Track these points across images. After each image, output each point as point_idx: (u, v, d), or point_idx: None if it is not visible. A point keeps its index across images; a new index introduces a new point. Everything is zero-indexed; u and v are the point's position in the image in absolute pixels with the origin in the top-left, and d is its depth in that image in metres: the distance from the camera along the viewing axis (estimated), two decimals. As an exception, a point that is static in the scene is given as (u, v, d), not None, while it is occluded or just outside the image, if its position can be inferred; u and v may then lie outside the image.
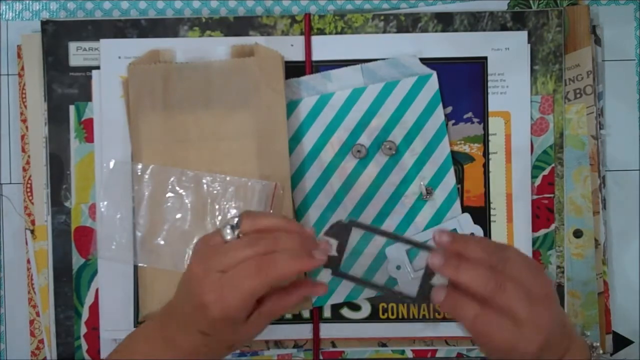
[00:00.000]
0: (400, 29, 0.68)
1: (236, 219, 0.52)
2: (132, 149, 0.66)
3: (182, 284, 0.54)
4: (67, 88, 0.68)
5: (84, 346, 0.67)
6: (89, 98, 0.68)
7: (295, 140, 0.67)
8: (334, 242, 0.55)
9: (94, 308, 0.67)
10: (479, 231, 0.67)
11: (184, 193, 0.65)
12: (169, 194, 0.65)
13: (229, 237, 0.52)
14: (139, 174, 0.65)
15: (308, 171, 0.67)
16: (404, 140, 0.67)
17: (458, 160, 0.68)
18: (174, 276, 0.64)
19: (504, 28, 0.68)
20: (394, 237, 0.59)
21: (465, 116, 0.68)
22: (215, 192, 0.65)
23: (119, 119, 0.67)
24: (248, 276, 0.50)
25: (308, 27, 0.68)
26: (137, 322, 0.67)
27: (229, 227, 0.52)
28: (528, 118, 0.68)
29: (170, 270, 0.65)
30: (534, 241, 0.67)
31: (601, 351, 0.54)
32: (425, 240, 0.67)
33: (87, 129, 0.68)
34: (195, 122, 0.66)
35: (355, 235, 0.67)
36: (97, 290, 0.67)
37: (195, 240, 0.64)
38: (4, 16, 0.70)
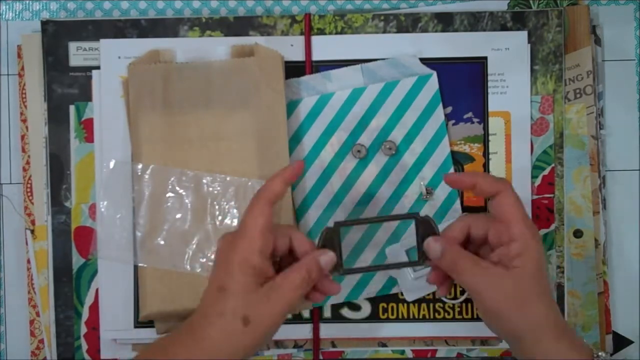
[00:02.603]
0: (400, 29, 0.68)
1: None
2: (132, 149, 0.66)
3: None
4: (67, 88, 0.68)
5: (84, 346, 0.67)
6: (89, 98, 0.68)
7: (295, 140, 0.67)
8: (330, 254, 0.55)
9: (94, 308, 0.67)
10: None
11: (184, 193, 0.65)
12: (169, 194, 0.65)
13: None
14: (139, 174, 0.65)
15: (308, 171, 0.67)
16: (404, 140, 0.67)
17: (458, 160, 0.68)
18: (174, 276, 0.65)
19: (504, 28, 0.68)
20: (378, 220, 0.61)
21: (465, 116, 0.68)
22: (215, 192, 0.65)
23: (119, 119, 0.67)
24: (247, 211, 0.54)
25: (308, 27, 0.68)
26: (137, 322, 0.67)
27: None
28: (528, 118, 0.68)
29: (170, 270, 0.65)
30: (534, 241, 0.67)
31: (603, 354, 0.54)
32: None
33: (87, 129, 0.68)
34: (195, 122, 0.66)
35: (354, 235, 0.67)
36: (97, 290, 0.67)
37: (195, 241, 0.64)
38: (4, 16, 0.70)
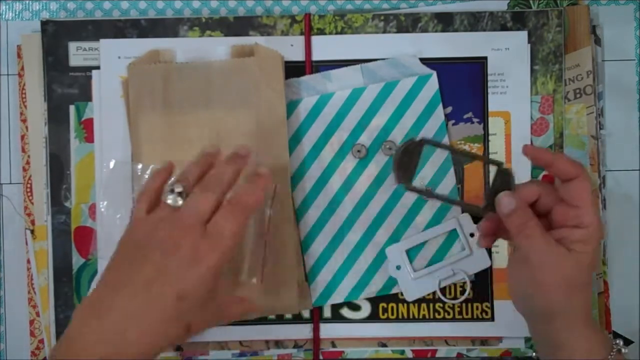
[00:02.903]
0: (400, 29, 0.68)
1: (176, 187, 0.52)
2: (132, 149, 0.66)
3: (145, 255, 0.49)
4: (67, 88, 0.68)
5: (84, 346, 0.67)
6: (89, 98, 0.68)
7: (295, 140, 0.67)
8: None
9: (94, 308, 0.67)
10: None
11: None
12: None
13: (180, 203, 0.51)
14: (139, 174, 0.65)
15: (308, 171, 0.67)
16: (404, 140, 0.67)
17: (458, 160, 0.68)
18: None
19: (504, 28, 0.68)
20: (463, 153, 0.63)
21: (465, 116, 0.68)
22: None
23: (119, 119, 0.67)
24: (228, 216, 0.50)
25: (308, 27, 0.68)
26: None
27: (175, 195, 0.51)
28: (528, 118, 0.68)
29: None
30: (534, 241, 0.67)
31: (621, 342, 0.54)
32: (424, 242, 0.67)
33: (87, 129, 0.68)
34: (195, 122, 0.66)
35: (354, 235, 0.67)
36: (97, 290, 0.67)
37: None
38: (4, 16, 0.70)
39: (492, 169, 0.55)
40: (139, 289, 0.48)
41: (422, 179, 0.67)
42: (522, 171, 0.67)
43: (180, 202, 0.51)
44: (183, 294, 0.48)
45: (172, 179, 0.54)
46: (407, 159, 0.54)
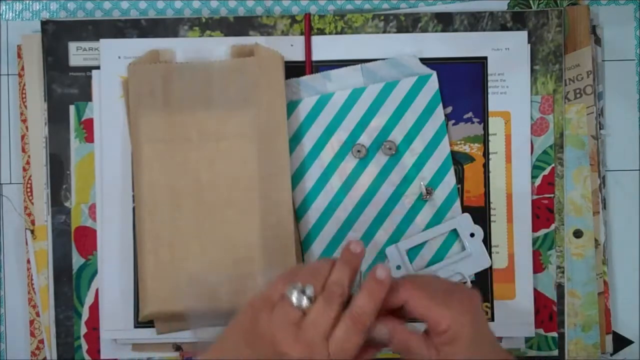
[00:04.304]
0: (400, 29, 0.68)
1: (304, 287, 0.51)
2: (132, 149, 0.66)
3: None
4: (67, 88, 0.68)
5: (84, 346, 0.67)
6: (89, 98, 0.68)
7: (295, 140, 0.67)
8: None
9: (94, 308, 0.67)
10: (478, 231, 0.67)
11: None
12: None
13: (306, 305, 0.51)
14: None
15: (308, 171, 0.67)
16: (404, 140, 0.67)
17: (458, 160, 0.68)
18: (175, 276, 0.65)
19: (504, 28, 0.68)
20: None
21: (465, 116, 0.68)
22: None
23: (119, 119, 0.67)
24: (349, 336, 0.50)
25: (308, 27, 0.68)
26: (137, 322, 0.66)
27: (304, 297, 0.51)
28: (528, 118, 0.68)
29: (171, 271, 0.65)
30: (534, 241, 0.67)
31: None
32: (424, 242, 0.67)
33: (87, 129, 0.68)
34: (195, 122, 0.66)
35: (354, 235, 0.67)
36: (97, 290, 0.67)
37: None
38: (4, 16, 0.70)
39: None
40: None
41: (422, 179, 0.67)
42: (521, 171, 0.67)
43: (305, 304, 0.51)
44: None
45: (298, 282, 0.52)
46: None
